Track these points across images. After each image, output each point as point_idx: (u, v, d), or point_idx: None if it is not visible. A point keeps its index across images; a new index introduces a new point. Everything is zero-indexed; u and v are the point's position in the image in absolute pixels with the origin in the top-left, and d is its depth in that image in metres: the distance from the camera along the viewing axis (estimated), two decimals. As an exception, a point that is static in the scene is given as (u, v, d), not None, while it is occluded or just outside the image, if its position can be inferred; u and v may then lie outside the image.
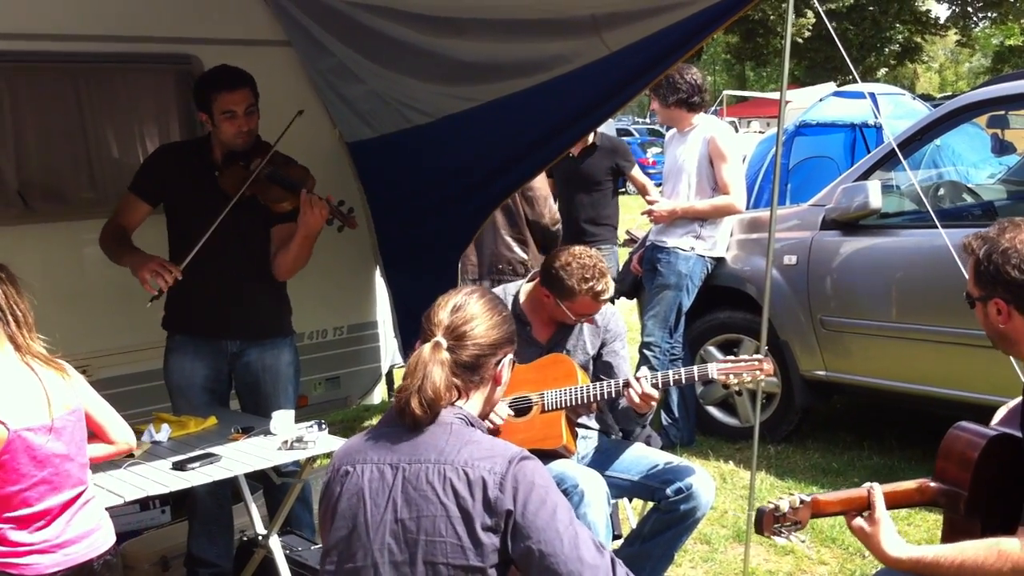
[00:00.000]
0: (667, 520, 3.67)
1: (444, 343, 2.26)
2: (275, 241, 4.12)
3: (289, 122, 4.06)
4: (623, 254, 6.97)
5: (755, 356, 3.62)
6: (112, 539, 2.95)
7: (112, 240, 4.05)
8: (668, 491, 3.65)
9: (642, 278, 6.12)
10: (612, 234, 6.65)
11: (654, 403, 3.58)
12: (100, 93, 4.79)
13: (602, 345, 3.89)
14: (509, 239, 5.60)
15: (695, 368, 3.60)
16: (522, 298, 3.87)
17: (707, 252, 5.79)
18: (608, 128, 6.90)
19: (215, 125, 3.99)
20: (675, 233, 5.78)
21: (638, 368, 5.75)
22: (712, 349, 6.13)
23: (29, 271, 4.42)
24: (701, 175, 5.76)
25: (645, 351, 5.81)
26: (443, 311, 2.32)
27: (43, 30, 4.39)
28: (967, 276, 2.62)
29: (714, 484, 3.77)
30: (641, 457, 3.86)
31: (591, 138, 6.56)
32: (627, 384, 3.56)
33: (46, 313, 4.40)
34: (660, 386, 3.58)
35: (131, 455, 3.44)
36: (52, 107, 4.68)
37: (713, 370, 3.54)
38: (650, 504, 3.88)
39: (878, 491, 2.51)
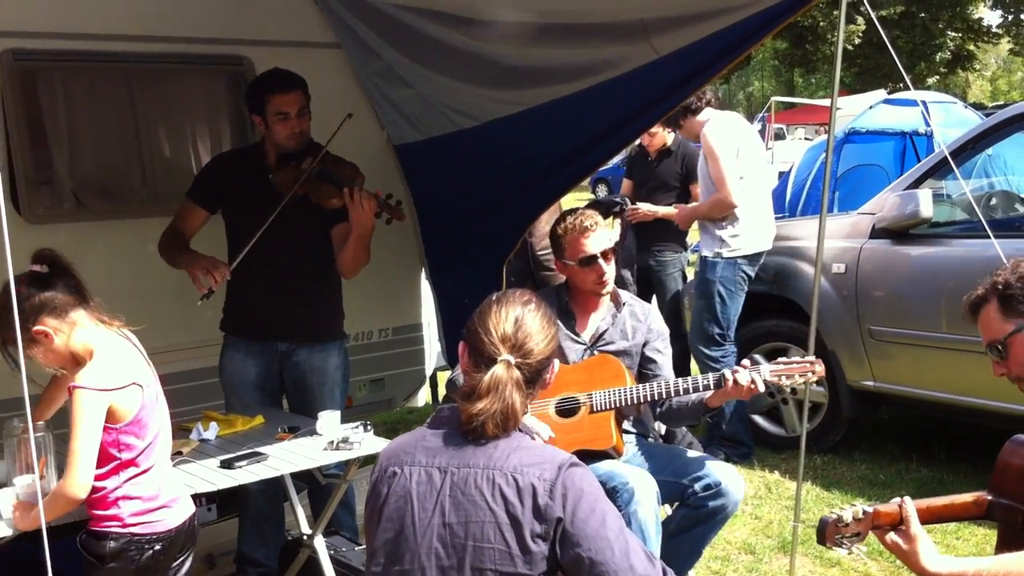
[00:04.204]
0: (695, 516, 3.64)
1: (512, 360, 2.24)
2: (336, 241, 4.16)
3: (339, 125, 4.10)
4: (694, 258, 6.86)
5: (807, 357, 3.54)
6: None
7: (169, 244, 4.12)
8: (696, 487, 3.62)
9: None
10: (678, 239, 6.54)
11: (756, 389, 3.43)
12: (152, 93, 4.84)
13: (645, 343, 3.87)
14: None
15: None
16: (567, 292, 3.93)
17: (734, 254, 5.67)
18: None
19: (268, 127, 4.05)
20: (704, 243, 5.76)
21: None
22: (758, 357, 6.07)
23: (81, 269, 4.54)
24: (704, 176, 5.76)
25: (695, 361, 5.77)
26: (505, 324, 2.26)
27: (96, 30, 4.45)
28: (987, 324, 2.49)
29: (743, 483, 3.72)
30: (673, 456, 3.84)
31: (668, 141, 6.51)
32: (734, 377, 3.43)
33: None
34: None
35: (179, 452, 3.47)
36: (105, 107, 4.74)
37: (765, 372, 3.46)
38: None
39: (910, 505, 2.43)
